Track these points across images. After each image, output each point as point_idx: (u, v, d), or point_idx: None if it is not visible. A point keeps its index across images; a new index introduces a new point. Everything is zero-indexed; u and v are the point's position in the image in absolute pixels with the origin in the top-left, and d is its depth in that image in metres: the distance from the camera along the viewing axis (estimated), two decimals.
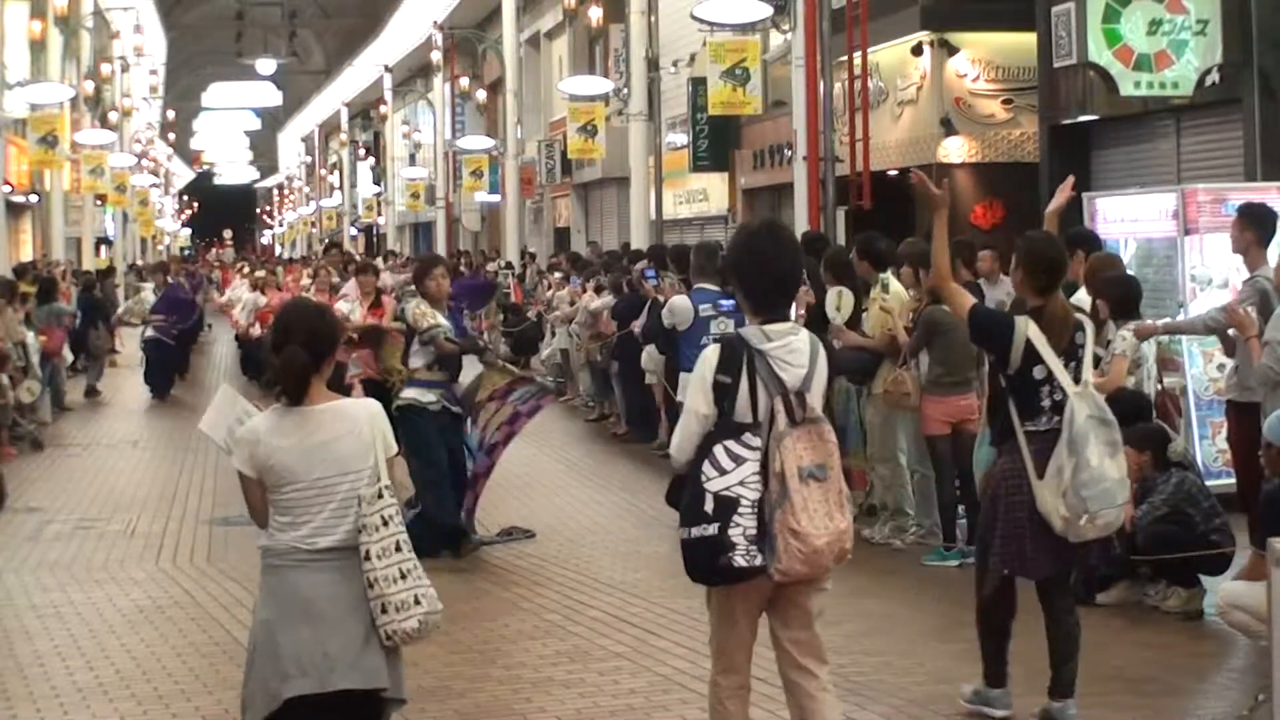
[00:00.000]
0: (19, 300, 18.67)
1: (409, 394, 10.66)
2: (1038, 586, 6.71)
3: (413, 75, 53.76)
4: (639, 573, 10.28)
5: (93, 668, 8.11)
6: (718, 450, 5.23)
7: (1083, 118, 16.71)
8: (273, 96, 79.45)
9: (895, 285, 10.91)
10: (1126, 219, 12.50)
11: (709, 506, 5.20)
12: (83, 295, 24.64)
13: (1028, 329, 6.44)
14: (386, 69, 52.30)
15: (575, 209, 37.96)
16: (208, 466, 15.80)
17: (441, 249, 42.13)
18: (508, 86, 36.86)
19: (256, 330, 22.46)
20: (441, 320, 10.63)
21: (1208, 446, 11.02)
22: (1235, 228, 9.51)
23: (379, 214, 59.80)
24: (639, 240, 26.68)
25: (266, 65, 64.53)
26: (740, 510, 5.19)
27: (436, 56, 43.25)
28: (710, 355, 5.36)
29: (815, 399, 5.35)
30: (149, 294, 27.45)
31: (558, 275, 23.39)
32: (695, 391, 5.35)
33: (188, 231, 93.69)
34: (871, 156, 18.26)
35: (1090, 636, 8.02)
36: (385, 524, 4.87)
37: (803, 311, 11.28)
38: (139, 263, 50.89)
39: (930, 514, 10.56)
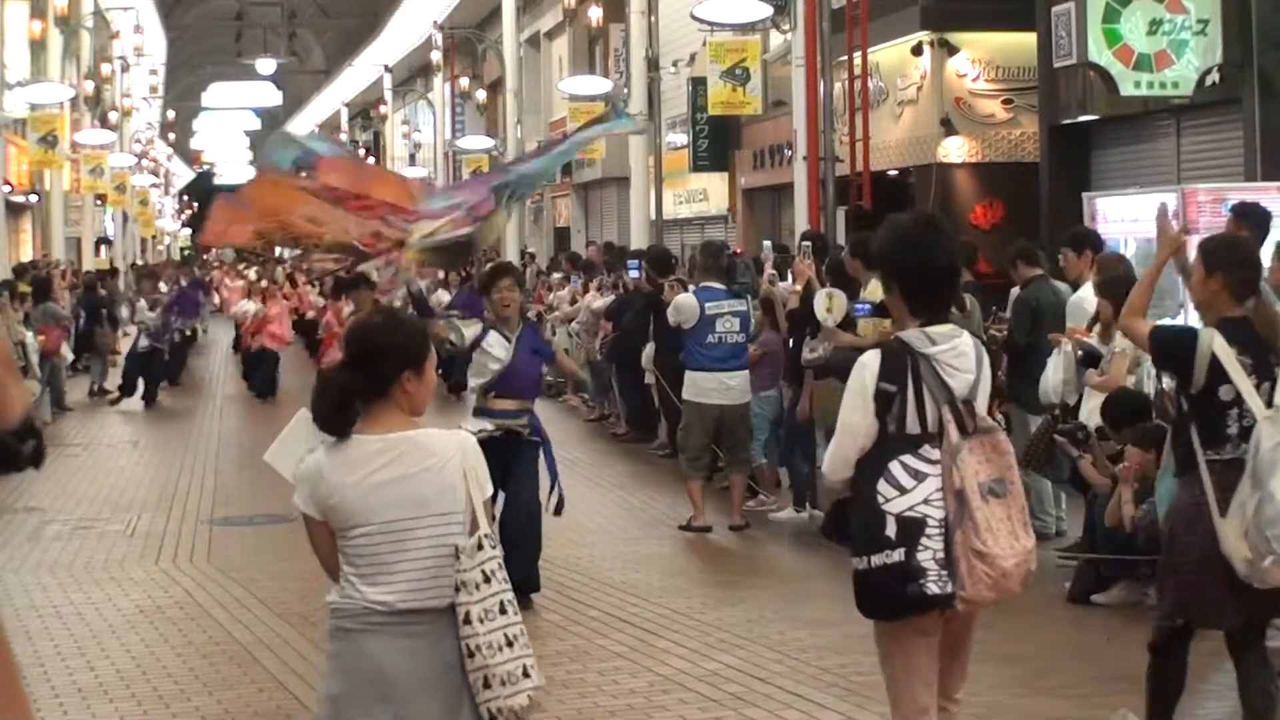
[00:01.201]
0: (18, 300, 18.68)
1: (467, 426, 9.34)
2: (1226, 636, 6.07)
3: (413, 75, 53.75)
4: (639, 573, 10.28)
5: (93, 668, 8.11)
6: (894, 467, 4.71)
7: (1083, 118, 16.70)
8: (273, 96, 79.37)
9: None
10: (1126, 219, 12.50)
11: (891, 530, 4.67)
12: (85, 295, 24.62)
13: (1213, 342, 5.73)
14: (386, 69, 52.29)
15: (575, 209, 37.95)
16: (208, 466, 15.82)
17: None
18: (508, 86, 36.85)
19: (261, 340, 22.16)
20: (464, 332, 9.39)
21: None
22: (1232, 227, 9.51)
23: None
24: (639, 240, 26.68)
25: (266, 65, 64.46)
26: (928, 531, 4.66)
27: (436, 56, 43.24)
28: (870, 361, 4.87)
29: (983, 407, 4.88)
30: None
31: (557, 275, 23.40)
32: (854, 402, 4.83)
33: (188, 231, 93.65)
34: (871, 156, 18.26)
35: (1089, 637, 8.04)
36: (487, 580, 4.10)
37: (798, 288, 11.29)
38: (139, 263, 50.87)
39: None
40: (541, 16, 39.45)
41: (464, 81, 41.78)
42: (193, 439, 18.31)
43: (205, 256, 58.36)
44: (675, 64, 27.83)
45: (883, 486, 4.70)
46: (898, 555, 4.67)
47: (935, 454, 4.72)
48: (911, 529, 4.67)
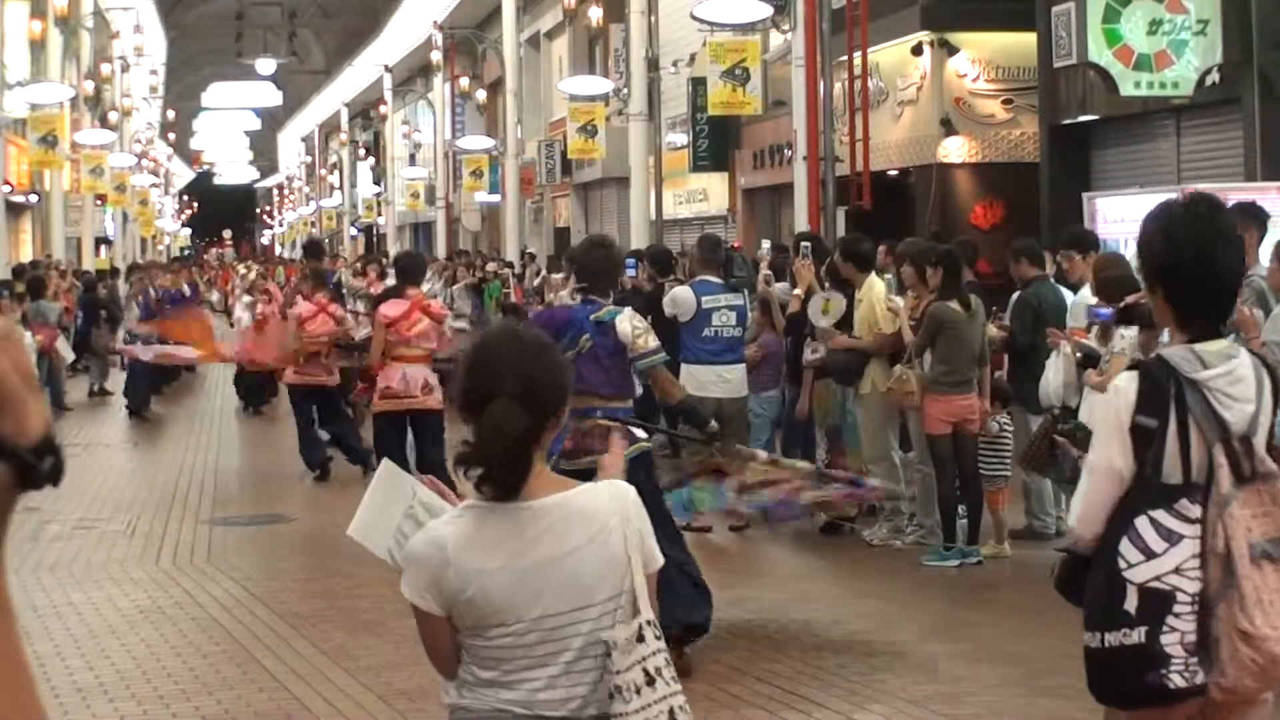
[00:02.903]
0: (16, 300, 18.70)
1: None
2: None
3: (413, 75, 53.76)
4: None
5: (93, 668, 8.11)
6: (1142, 524, 3.82)
7: (1083, 118, 16.71)
8: (273, 96, 79.49)
9: (879, 285, 10.95)
10: (1126, 219, 12.51)
11: (1131, 604, 3.79)
12: (84, 295, 24.62)
13: None
14: (386, 69, 52.30)
15: (575, 209, 37.95)
16: (208, 467, 15.82)
17: (441, 249, 42.11)
18: (508, 86, 36.84)
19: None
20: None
21: None
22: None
23: (379, 214, 59.83)
24: (639, 240, 26.68)
25: (266, 65, 64.57)
26: (1177, 609, 3.77)
27: (436, 56, 43.25)
28: (1125, 387, 3.91)
29: (1262, 444, 3.90)
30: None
31: (558, 275, 23.39)
32: (1108, 438, 3.92)
33: (188, 231, 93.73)
34: (871, 156, 18.26)
35: None
36: (650, 682, 3.15)
37: (799, 292, 11.30)
38: (139, 262, 50.90)
39: (931, 514, 10.57)
40: (541, 16, 39.46)
41: (464, 81, 41.78)
42: (193, 440, 18.31)
43: (205, 256, 58.44)
44: (675, 64, 27.83)
45: (1125, 548, 3.83)
46: (1137, 636, 3.79)
47: (1195, 510, 3.80)
48: (1157, 604, 3.79)
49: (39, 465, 1.26)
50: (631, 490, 3.29)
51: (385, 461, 3.75)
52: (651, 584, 3.24)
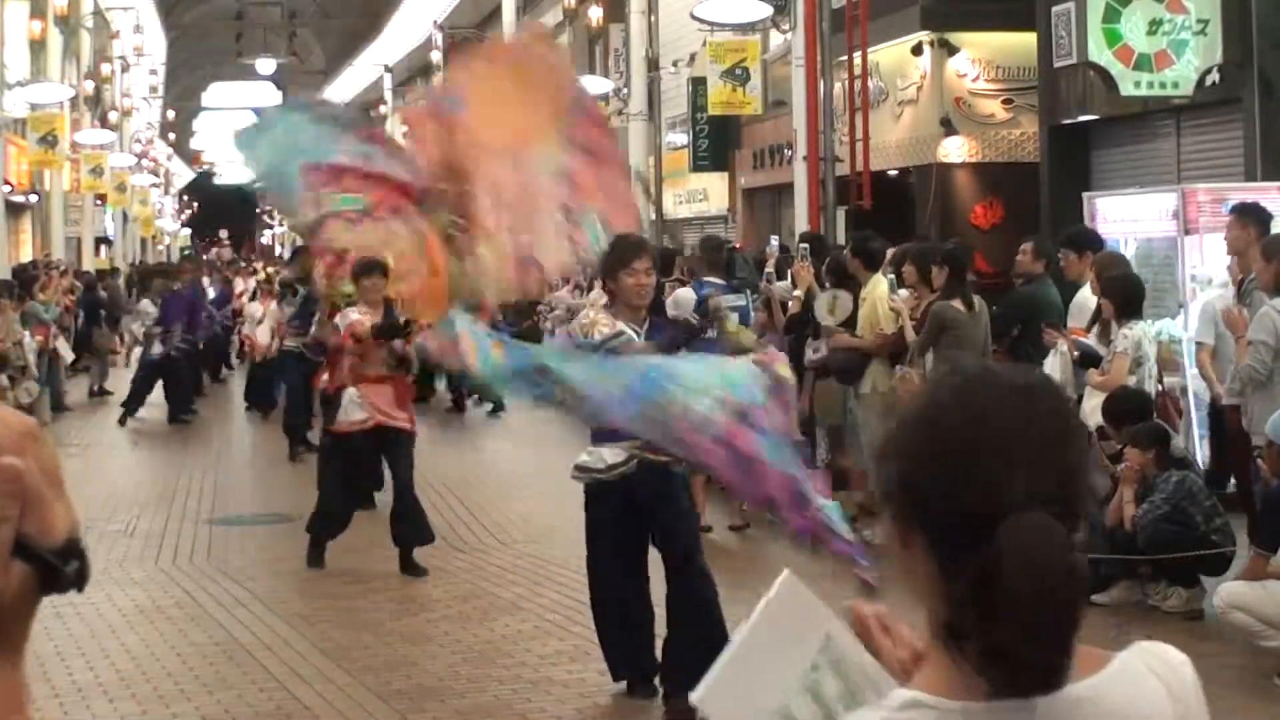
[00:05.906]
0: (15, 301, 18.71)
1: (581, 458, 7.31)
2: None
3: (413, 75, 53.80)
4: None
5: (93, 668, 8.11)
6: None
7: (1083, 118, 16.70)
8: (273, 96, 79.46)
9: (883, 285, 10.96)
10: (1126, 219, 12.51)
11: None
12: (85, 295, 24.63)
13: None
14: (386, 69, 52.36)
15: None
16: (207, 466, 15.80)
17: None
18: None
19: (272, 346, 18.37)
20: (623, 327, 7.02)
21: (1208, 447, 11.02)
22: (1235, 226, 9.53)
23: None
24: None
25: (266, 65, 64.55)
26: None
27: (436, 56, 43.28)
28: None
29: None
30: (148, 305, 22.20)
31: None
32: None
33: (188, 231, 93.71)
34: (871, 156, 18.26)
35: (1090, 636, 8.03)
36: None
37: (799, 293, 11.32)
38: (140, 261, 50.86)
39: None
40: (541, 16, 39.46)
41: None
42: (193, 439, 18.31)
43: (206, 256, 58.38)
44: (675, 64, 27.84)
45: None
46: None
47: None
48: None
49: (63, 569, 1.25)
50: (1188, 665, 1.79)
51: (787, 575, 2.15)
52: None
